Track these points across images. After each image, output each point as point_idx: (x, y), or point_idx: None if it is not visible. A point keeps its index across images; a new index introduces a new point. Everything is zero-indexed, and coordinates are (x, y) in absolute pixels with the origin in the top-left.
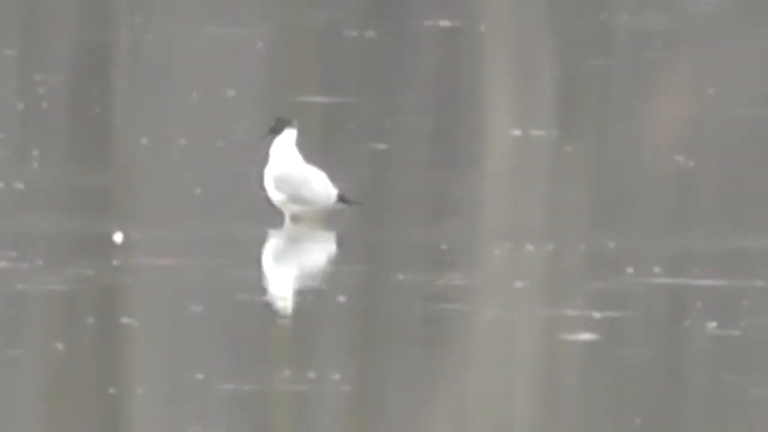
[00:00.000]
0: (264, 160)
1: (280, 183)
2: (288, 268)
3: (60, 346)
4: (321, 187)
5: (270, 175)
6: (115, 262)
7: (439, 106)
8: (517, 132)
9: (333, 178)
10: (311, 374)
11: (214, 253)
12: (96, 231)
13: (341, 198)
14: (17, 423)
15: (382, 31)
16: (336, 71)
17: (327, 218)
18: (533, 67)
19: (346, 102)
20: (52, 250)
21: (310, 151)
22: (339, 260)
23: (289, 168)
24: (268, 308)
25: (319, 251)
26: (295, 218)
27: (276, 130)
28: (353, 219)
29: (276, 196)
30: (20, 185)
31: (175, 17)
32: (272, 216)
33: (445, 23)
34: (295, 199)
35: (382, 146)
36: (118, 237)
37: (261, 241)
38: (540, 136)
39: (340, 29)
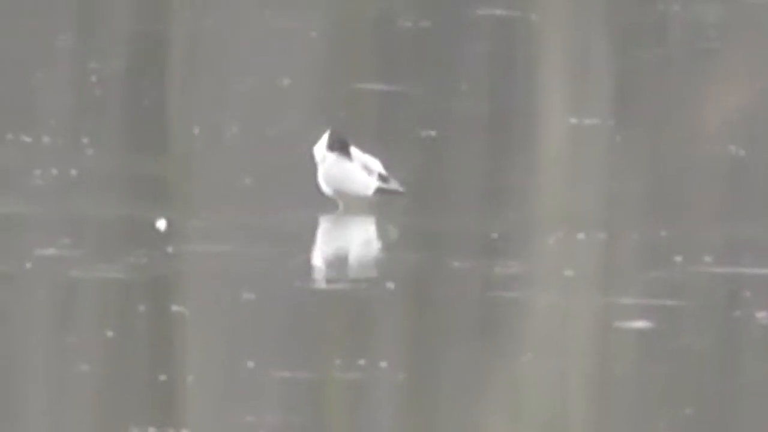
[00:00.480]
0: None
1: (326, 177)
2: (342, 255)
3: (113, 333)
4: (362, 178)
5: (319, 168)
6: (169, 250)
7: (494, 94)
8: (572, 120)
9: (387, 166)
10: (365, 362)
11: (268, 241)
12: (149, 218)
13: (379, 189)
14: (70, 409)
15: (436, 20)
16: (391, 60)
17: (382, 206)
18: (588, 56)
19: (401, 90)
20: (105, 238)
21: (365, 139)
22: (393, 248)
23: (333, 161)
24: (323, 296)
25: (374, 239)
26: (348, 207)
27: (333, 147)
28: (409, 207)
29: (325, 188)
30: (74, 172)
31: (231, 6)
32: (326, 204)
33: (500, 12)
34: (339, 191)
35: (436, 134)
36: (161, 224)
37: (315, 229)
38: (595, 125)
39: (394, 18)
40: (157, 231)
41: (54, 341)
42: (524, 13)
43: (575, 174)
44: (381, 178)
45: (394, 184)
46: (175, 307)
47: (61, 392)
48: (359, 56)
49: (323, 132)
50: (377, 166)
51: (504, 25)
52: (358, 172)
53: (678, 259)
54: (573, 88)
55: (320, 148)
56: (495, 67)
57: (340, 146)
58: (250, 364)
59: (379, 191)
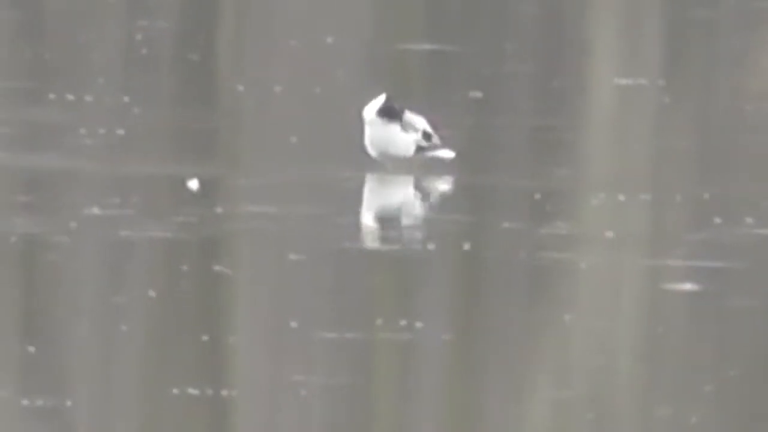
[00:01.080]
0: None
1: (371, 140)
2: (389, 216)
3: (160, 293)
4: (402, 139)
5: (366, 130)
6: (218, 210)
7: (543, 54)
8: (621, 80)
9: (434, 125)
10: (412, 323)
11: (315, 201)
12: (199, 177)
13: (420, 148)
14: (117, 369)
15: None
16: (438, 20)
17: (429, 166)
18: (638, 15)
19: (448, 50)
20: (154, 197)
21: (413, 97)
22: (440, 208)
23: (377, 125)
24: (369, 256)
25: (420, 199)
26: (396, 168)
27: (384, 114)
28: (456, 167)
29: (371, 151)
30: (121, 131)
31: None
32: (373, 164)
33: None
34: (383, 153)
35: (484, 94)
36: (193, 183)
37: (362, 189)
38: (643, 85)
39: None
40: (207, 190)
41: (102, 301)
42: None
43: (623, 134)
44: (425, 136)
45: (436, 142)
46: (222, 268)
47: (108, 352)
48: (406, 16)
49: (372, 93)
50: (422, 124)
51: None
52: (399, 133)
53: (727, 220)
54: (622, 47)
55: (370, 111)
56: (543, 27)
57: (390, 113)
58: (297, 324)
59: (420, 150)
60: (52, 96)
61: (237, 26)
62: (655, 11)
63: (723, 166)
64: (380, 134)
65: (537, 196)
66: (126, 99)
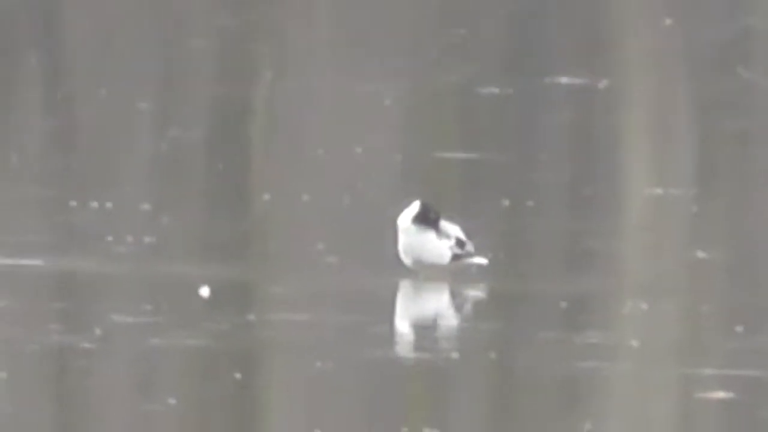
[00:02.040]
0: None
1: (405, 247)
2: (421, 324)
3: (195, 401)
4: (435, 246)
5: (400, 238)
6: (250, 317)
7: (576, 162)
8: (654, 190)
9: (468, 233)
10: (448, 431)
11: (347, 309)
12: (228, 284)
13: (455, 256)
14: None
15: (517, 88)
16: (471, 128)
17: (462, 274)
18: (671, 125)
19: (482, 158)
20: (185, 304)
21: (447, 206)
22: (474, 317)
23: (413, 233)
24: (405, 364)
25: (453, 308)
26: (429, 277)
27: (420, 220)
28: (489, 274)
29: (404, 259)
30: (152, 238)
31: (312, 74)
32: (406, 272)
33: (580, 80)
34: (416, 261)
35: (517, 202)
36: (204, 291)
37: (394, 297)
38: (676, 195)
39: (474, 86)
40: (239, 297)
41: (131, 409)
42: (605, 81)
43: (658, 243)
44: (459, 243)
45: (470, 249)
46: (258, 376)
47: None
48: (440, 123)
49: (405, 201)
50: (456, 231)
51: (585, 94)
52: (434, 240)
53: (761, 329)
54: (654, 157)
55: (405, 218)
56: (577, 136)
57: (426, 220)
58: None
59: (455, 258)
60: (83, 204)
61: (267, 136)
62: (688, 121)
63: (757, 276)
64: (415, 241)
65: (569, 304)
66: (154, 207)
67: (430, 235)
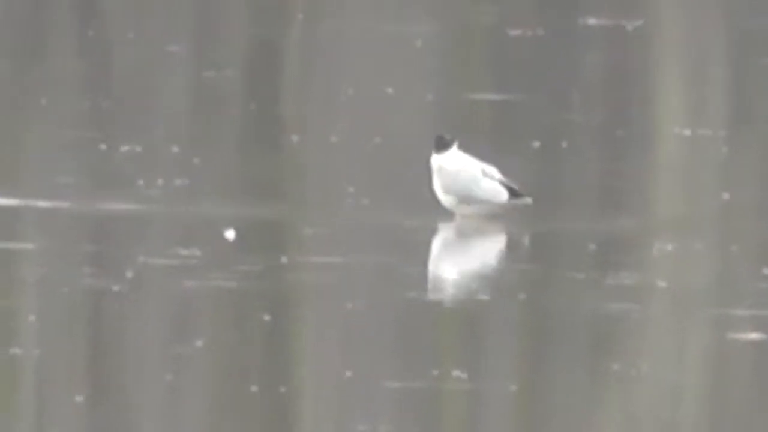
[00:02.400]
0: (428, 164)
1: (449, 185)
2: (457, 265)
3: (227, 343)
4: (490, 185)
5: (439, 180)
6: (283, 259)
7: (608, 103)
8: (686, 130)
9: (504, 172)
10: (479, 373)
11: (382, 250)
12: (261, 226)
13: (513, 193)
14: (181, 418)
15: (549, 29)
16: (503, 70)
17: (497, 214)
18: (704, 65)
19: (514, 99)
20: (218, 246)
21: (480, 148)
22: (508, 258)
23: (457, 170)
24: (437, 306)
25: (489, 249)
26: (466, 217)
27: (440, 147)
28: (523, 215)
29: (445, 198)
30: (186, 180)
31: (344, 16)
32: (441, 213)
33: (612, 20)
34: (464, 199)
35: (550, 143)
36: (230, 234)
37: (430, 239)
38: (709, 135)
39: (505, 28)
40: (274, 239)
41: (165, 350)
42: (637, 21)
43: (691, 183)
44: (504, 185)
45: (522, 194)
46: (291, 317)
47: (172, 402)
48: (470, 65)
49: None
50: (496, 173)
51: (616, 34)
52: (483, 179)
53: None
54: (687, 97)
55: (435, 160)
56: (608, 77)
57: (444, 145)
58: (363, 374)
59: (512, 196)
60: (115, 146)
61: (298, 78)
62: (721, 61)
63: None
64: (463, 178)
65: (600, 245)
66: (185, 149)
67: (479, 173)
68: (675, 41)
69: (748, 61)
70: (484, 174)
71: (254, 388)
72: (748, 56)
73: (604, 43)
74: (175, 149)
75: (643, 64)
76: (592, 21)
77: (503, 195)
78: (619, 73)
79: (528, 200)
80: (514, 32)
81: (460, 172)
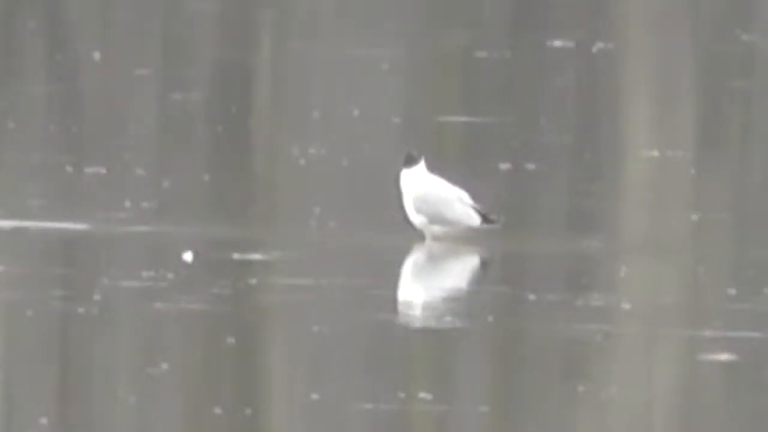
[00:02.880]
0: (397, 183)
1: (420, 205)
2: (427, 287)
3: (194, 366)
4: (462, 208)
5: (410, 196)
6: (252, 281)
7: (577, 125)
8: (655, 151)
9: (474, 197)
10: (450, 395)
11: (352, 272)
12: (229, 248)
13: (485, 219)
14: None
15: (517, 52)
16: (471, 92)
17: (467, 237)
18: (671, 87)
19: (482, 122)
20: (187, 268)
21: (449, 170)
22: (478, 280)
23: (429, 189)
24: (407, 328)
25: (459, 271)
26: (436, 238)
27: (407, 163)
28: (492, 237)
29: (417, 218)
30: (152, 203)
31: (312, 39)
32: (411, 235)
33: (580, 43)
34: (436, 220)
35: (519, 165)
36: (188, 256)
37: (399, 260)
38: (678, 156)
39: (473, 50)
40: (243, 262)
41: (133, 374)
42: (605, 44)
43: (660, 204)
44: (476, 211)
45: (494, 220)
46: (257, 340)
47: (138, 424)
48: (438, 88)
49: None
50: (467, 199)
51: (584, 57)
52: (456, 202)
53: (763, 290)
54: (655, 119)
55: (405, 178)
56: (576, 99)
57: (412, 160)
58: (332, 396)
59: (485, 221)
60: (82, 169)
61: (266, 100)
62: (688, 83)
63: (758, 237)
64: (435, 199)
65: (570, 266)
66: (154, 171)
67: (461, 194)
68: (643, 64)
69: (715, 83)
70: (460, 200)
71: (224, 408)
72: (715, 79)
73: (572, 65)
74: (143, 171)
75: (611, 86)
76: (559, 43)
77: (475, 219)
78: (587, 95)
79: (499, 227)
80: (482, 54)
81: (432, 193)
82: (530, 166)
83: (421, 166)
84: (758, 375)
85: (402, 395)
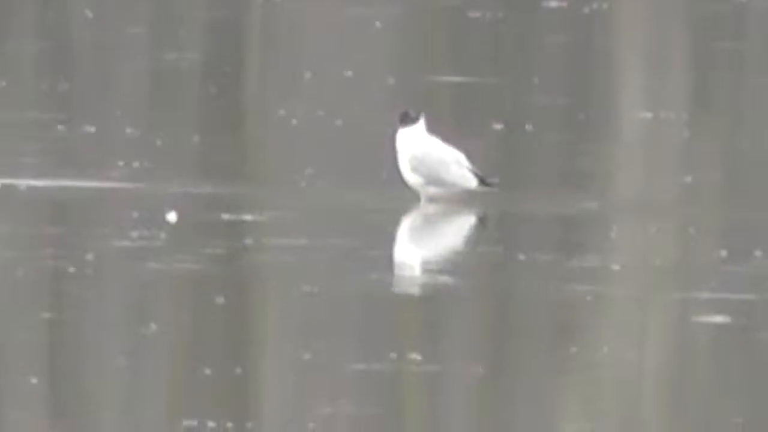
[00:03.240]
0: (393, 143)
1: (417, 165)
2: (420, 248)
3: (185, 325)
4: (458, 170)
5: (406, 157)
6: (247, 242)
7: (570, 86)
8: (647, 112)
9: (468, 156)
10: (442, 355)
11: (346, 233)
12: (223, 208)
13: (482, 181)
14: (141, 401)
15: (510, 11)
16: (464, 51)
17: (462, 199)
18: (665, 48)
19: (475, 82)
20: (180, 228)
21: (441, 130)
22: (472, 241)
23: (426, 149)
24: (400, 289)
25: (453, 231)
26: (431, 199)
27: (404, 122)
28: (486, 198)
29: (412, 178)
30: (146, 163)
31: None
32: (405, 196)
33: (575, 3)
34: (432, 181)
35: (512, 125)
36: (171, 216)
37: (393, 221)
38: (671, 117)
39: (466, 10)
40: (237, 222)
41: (123, 332)
42: (599, 4)
43: (652, 165)
44: (473, 173)
45: (490, 183)
46: (249, 300)
47: (128, 384)
48: (431, 48)
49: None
50: (464, 160)
51: (578, 17)
52: (453, 163)
53: (757, 251)
54: (649, 80)
55: (402, 137)
56: (570, 59)
57: (409, 120)
58: (324, 356)
59: (481, 183)
60: (75, 127)
61: (259, 60)
62: (682, 44)
63: (752, 198)
64: (432, 160)
65: (563, 227)
66: (146, 130)
67: (458, 155)
68: (637, 25)
69: (709, 44)
70: (456, 162)
71: (217, 368)
72: (709, 40)
73: (565, 25)
74: (135, 131)
75: (604, 47)
76: (553, 3)
77: (472, 182)
78: (580, 56)
79: (496, 190)
80: (475, 14)
81: (429, 153)
82: (524, 127)
83: (420, 125)
84: (750, 336)
85: (394, 355)
